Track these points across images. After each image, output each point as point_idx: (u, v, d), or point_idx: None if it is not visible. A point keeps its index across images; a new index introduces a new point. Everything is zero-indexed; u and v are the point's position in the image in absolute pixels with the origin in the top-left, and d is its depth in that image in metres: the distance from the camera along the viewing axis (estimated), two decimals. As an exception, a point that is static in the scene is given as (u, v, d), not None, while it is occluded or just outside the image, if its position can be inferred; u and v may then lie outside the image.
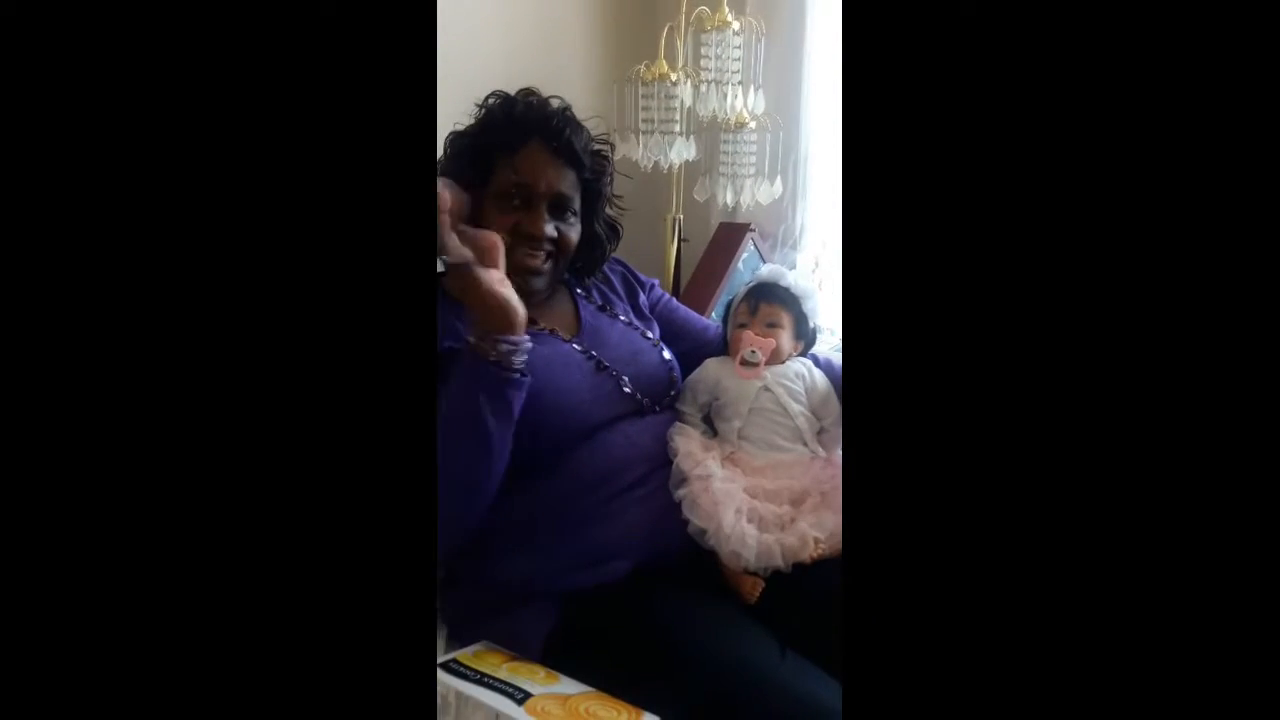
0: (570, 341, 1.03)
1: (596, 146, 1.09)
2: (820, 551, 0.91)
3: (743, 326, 1.07)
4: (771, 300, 1.07)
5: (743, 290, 1.12)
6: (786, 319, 1.07)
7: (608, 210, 1.14)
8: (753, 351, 1.04)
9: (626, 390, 1.01)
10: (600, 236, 1.12)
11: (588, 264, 1.13)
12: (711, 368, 1.07)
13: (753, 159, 1.71)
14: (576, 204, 1.05)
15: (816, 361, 1.11)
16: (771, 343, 1.05)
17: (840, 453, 1.01)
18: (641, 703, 0.75)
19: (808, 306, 1.09)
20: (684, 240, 1.79)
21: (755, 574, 0.91)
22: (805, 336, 1.10)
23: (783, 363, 1.06)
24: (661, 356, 1.09)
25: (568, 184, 1.03)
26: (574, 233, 1.05)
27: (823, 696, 0.78)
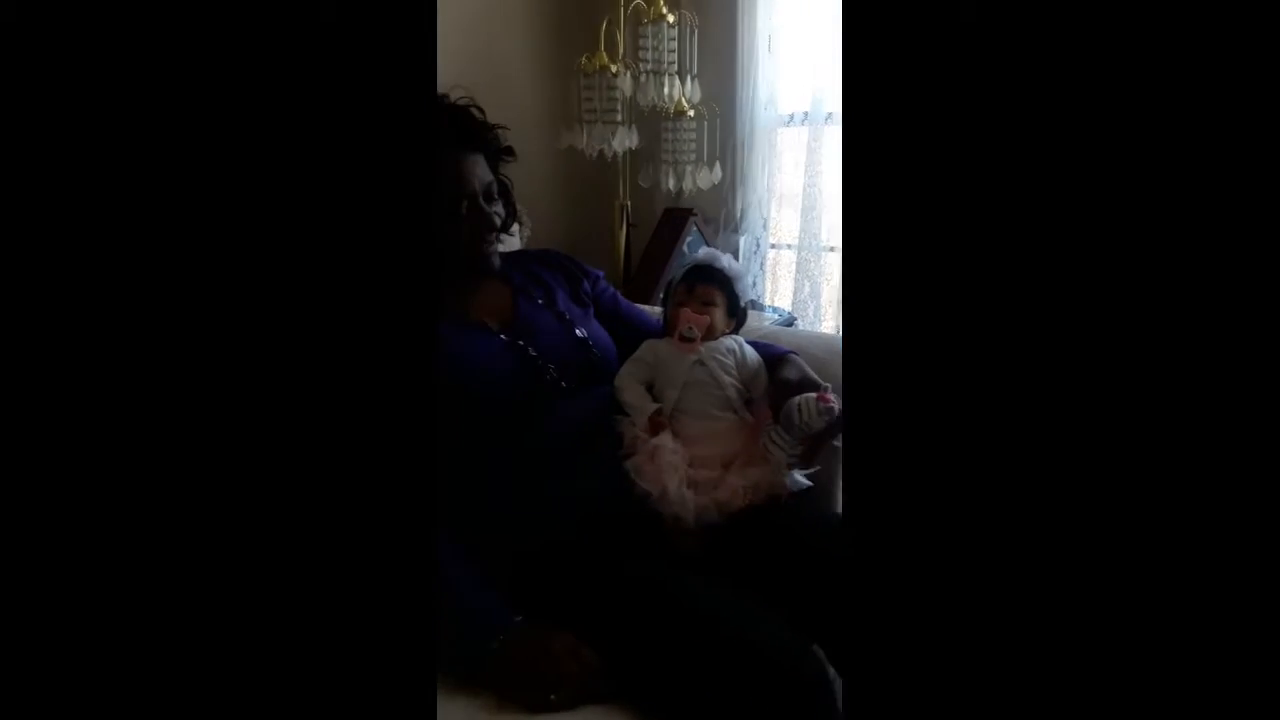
0: (499, 333, 1.12)
1: (495, 137, 1.17)
2: (748, 499, 1.04)
3: (680, 305, 1.17)
4: (708, 281, 1.18)
5: (680, 272, 1.22)
6: (720, 298, 1.18)
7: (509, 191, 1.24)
8: (690, 328, 1.14)
9: (550, 377, 1.10)
10: (508, 216, 1.22)
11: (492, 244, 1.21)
12: (651, 345, 1.17)
13: (692, 146, 1.80)
14: (495, 189, 1.16)
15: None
16: (706, 319, 1.15)
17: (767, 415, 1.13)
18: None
19: (739, 287, 1.20)
20: (632, 225, 1.88)
21: (693, 531, 1.03)
22: (737, 315, 1.21)
23: (716, 339, 1.16)
24: (578, 338, 1.16)
25: (487, 173, 1.14)
26: (500, 217, 1.16)
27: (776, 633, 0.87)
